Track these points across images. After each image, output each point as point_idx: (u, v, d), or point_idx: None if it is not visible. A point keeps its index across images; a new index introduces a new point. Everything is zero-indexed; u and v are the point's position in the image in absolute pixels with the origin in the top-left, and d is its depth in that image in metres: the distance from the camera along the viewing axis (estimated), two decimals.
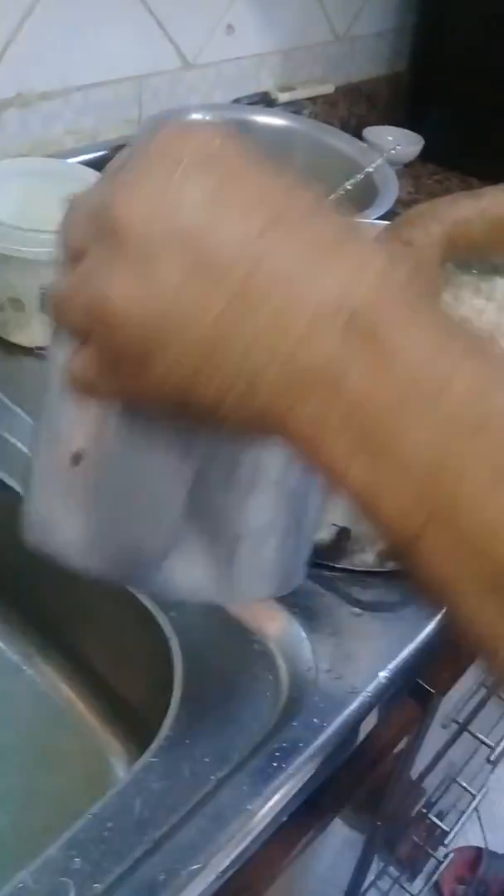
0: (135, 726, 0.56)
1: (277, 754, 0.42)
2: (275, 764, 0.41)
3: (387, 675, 0.47)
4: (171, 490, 0.31)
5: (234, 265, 0.24)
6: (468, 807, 0.89)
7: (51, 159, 0.72)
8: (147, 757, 0.42)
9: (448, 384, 0.23)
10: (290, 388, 0.24)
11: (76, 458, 0.32)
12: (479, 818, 1.33)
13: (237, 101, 0.97)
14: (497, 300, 0.56)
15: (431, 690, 0.52)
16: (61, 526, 0.33)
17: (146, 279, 0.24)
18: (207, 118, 0.84)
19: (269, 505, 0.33)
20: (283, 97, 1.01)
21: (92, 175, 0.68)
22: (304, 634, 0.48)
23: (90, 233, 0.26)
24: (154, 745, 0.42)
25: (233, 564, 0.34)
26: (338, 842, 0.63)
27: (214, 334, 0.24)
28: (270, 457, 0.32)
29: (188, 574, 0.33)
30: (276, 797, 0.40)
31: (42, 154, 0.80)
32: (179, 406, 0.26)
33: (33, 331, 0.66)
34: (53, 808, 0.54)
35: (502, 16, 1.04)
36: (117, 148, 0.87)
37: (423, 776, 0.74)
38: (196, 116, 0.85)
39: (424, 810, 0.85)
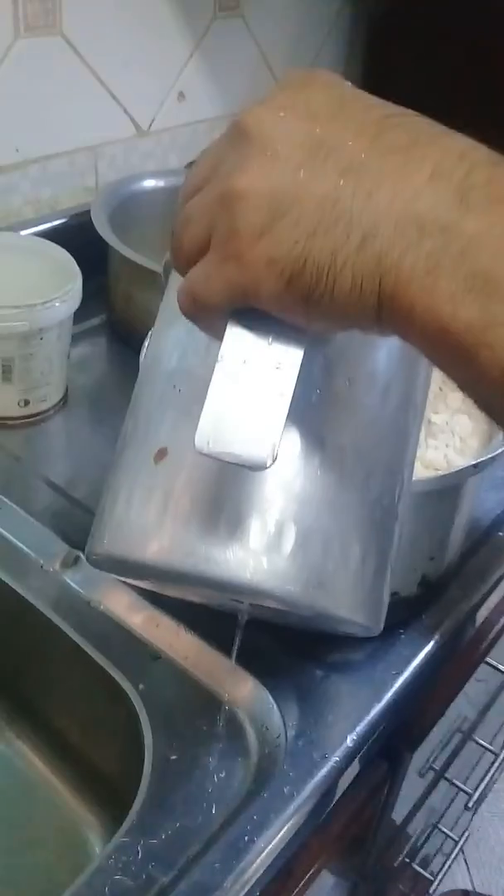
0: (108, 798, 0.56)
1: (248, 827, 0.42)
2: (246, 838, 0.41)
3: (355, 738, 0.47)
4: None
5: (357, 138, 0.27)
6: (452, 851, 0.88)
7: (7, 233, 0.73)
8: (119, 837, 0.42)
9: None
10: (407, 232, 0.25)
11: (161, 454, 0.33)
12: (464, 859, 1.33)
13: (192, 165, 0.99)
14: None
15: (401, 748, 0.53)
16: (140, 524, 0.33)
17: (270, 161, 0.27)
18: (162, 184, 0.86)
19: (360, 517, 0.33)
20: None
21: (50, 247, 0.70)
22: (272, 700, 0.48)
23: (216, 159, 0.29)
24: (125, 825, 0.42)
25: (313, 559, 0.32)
26: (324, 895, 0.63)
27: (335, 195, 0.26)
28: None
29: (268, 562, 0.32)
30: (249, 872, 0.40)
31: (1, 226, 0.81)
32: (291, 281, 0.26)
33: None
34: (31, 886, 0.54)
35: (449, 61, 1.07)
36: (76, 216, 0.89)
37: (404, 825, 0.74)
38: (152, 182, 0.87)
39: (408, 860, 0.85)
